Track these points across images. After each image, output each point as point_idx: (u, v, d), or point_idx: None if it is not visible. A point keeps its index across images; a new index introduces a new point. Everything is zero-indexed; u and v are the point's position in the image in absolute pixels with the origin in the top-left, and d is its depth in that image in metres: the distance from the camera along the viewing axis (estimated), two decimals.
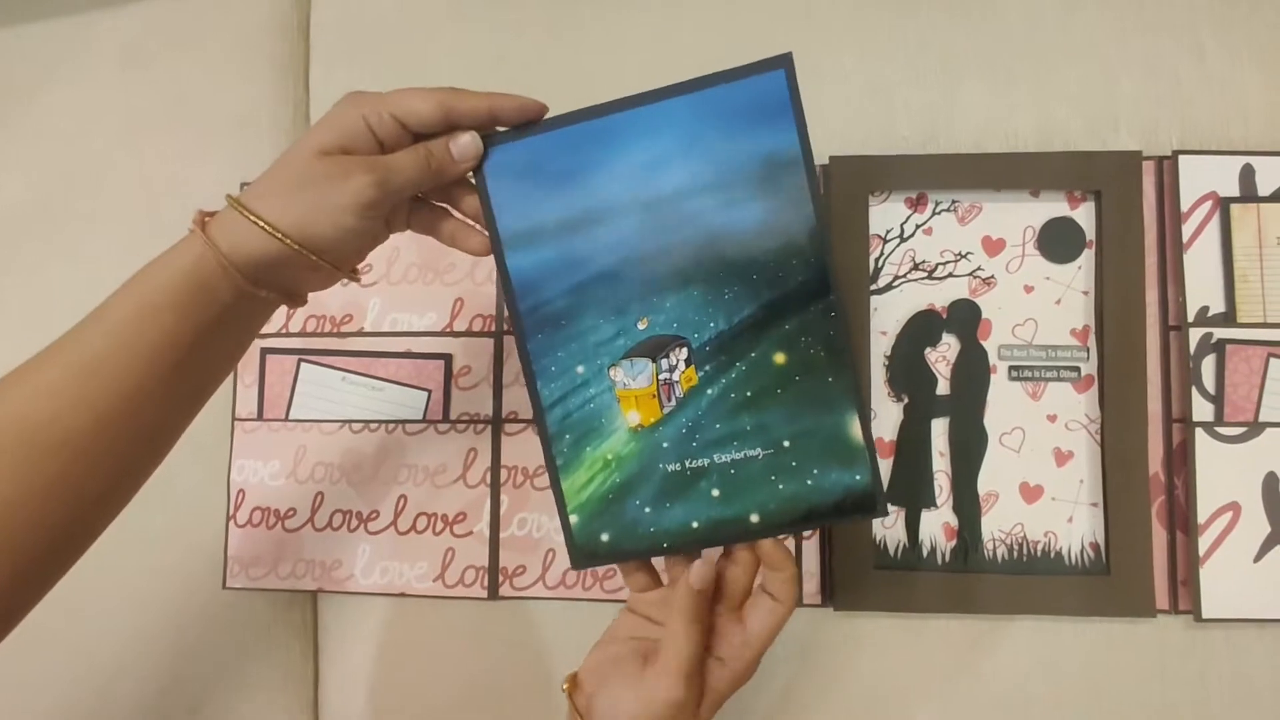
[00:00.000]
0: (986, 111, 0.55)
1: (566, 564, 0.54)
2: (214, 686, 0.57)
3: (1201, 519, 0.50)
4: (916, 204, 0.55)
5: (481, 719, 0.55)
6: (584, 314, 0.40)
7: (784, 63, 0.37)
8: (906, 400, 0.54)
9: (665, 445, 0.40)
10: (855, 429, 0.38)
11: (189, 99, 0.62)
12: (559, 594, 0.54)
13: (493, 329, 0.56)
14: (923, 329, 0.54)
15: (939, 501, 0.53)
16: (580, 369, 0.40)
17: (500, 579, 0.54)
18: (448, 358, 0.56)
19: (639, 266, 0.39)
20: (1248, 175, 0.53)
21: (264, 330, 0.58)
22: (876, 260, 0.54)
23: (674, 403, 0.40)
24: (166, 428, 0.39)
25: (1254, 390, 0.51)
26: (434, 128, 0.38)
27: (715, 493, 0.39)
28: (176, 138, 0.62)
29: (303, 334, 0.58)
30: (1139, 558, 0.50)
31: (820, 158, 0.55)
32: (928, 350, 0.54)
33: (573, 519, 0.41)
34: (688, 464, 0.39)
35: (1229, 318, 0.52)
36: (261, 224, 0.36)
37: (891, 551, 0.53)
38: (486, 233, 0.40)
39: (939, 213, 0.55)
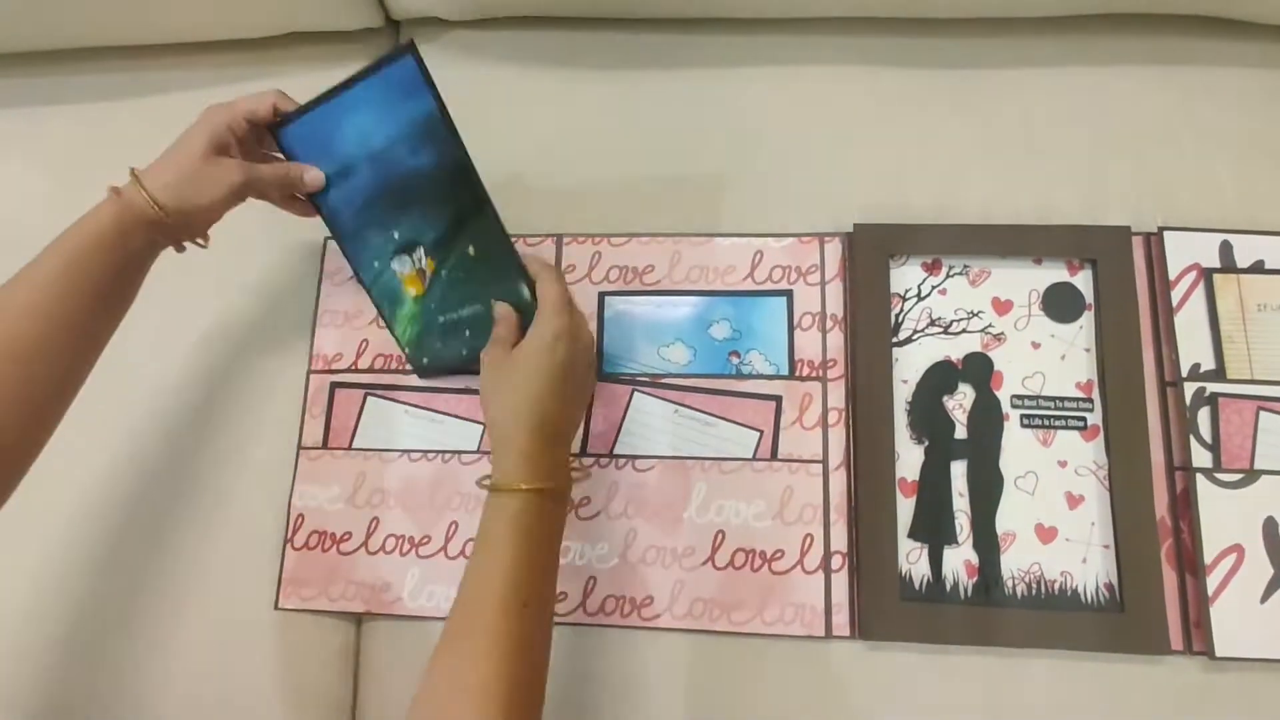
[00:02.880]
0: (990, 191, 0.63)
1: (608, 591, 0.57)
2: (250, 705, 0.58)
3: (1208, 559, 0.53)
4: (932, 268, 0.61)
5: None
6: (367, 230, 0.59)
7: (409, 50, 0.50)
8: (927, 443, 0.58)
9: (433, 306, 0.59)
10: (524, 292, 0.53)
11: None
12: (599, 620, 0.57)
13: None
14: (940, 378, 0.59)
15: (960, 539, 0.56)
16: (376, 263, 0.60)
17: None
18: None
19: (381, 198, 0.57)
20: (1226, 250, 0.59)
21: (334, 365, 0.64)
22: (897, 316, 0.60)
23: (426, 281, 0.58)
24: (90, 349, 0.51)
25: (1248, 440, 0.55)
26: (269, 117, 0.55)
27: (467, 333, 0.57)
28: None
29: (370, 370, 0.63)
30: (1152, 596, 0.53)
31: (845, 226, 0.62)
32: (945, 398, 0.59)
33: (406, 351, 0.62)
34: (449, 316, 0.58)
35: (1219, 374, 0.57)
36: (155, 206, 0.51)
37: (917, 585, 0.56)
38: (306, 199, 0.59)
39: (952, 276, 0.61)
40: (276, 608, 0.59)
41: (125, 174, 0.71)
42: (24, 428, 0.48)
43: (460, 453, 0.60)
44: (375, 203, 0.57)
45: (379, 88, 0.52)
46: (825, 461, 0.58)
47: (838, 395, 0.59)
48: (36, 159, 0.74)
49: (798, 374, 0.60)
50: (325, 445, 0.62)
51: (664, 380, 0.61)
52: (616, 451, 0.60)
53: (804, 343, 0.61)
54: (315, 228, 0.62)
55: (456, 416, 0.61)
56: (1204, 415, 0.56)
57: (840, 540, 0.57)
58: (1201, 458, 0.55)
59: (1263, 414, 0.56)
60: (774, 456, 0.59)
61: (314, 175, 0.57)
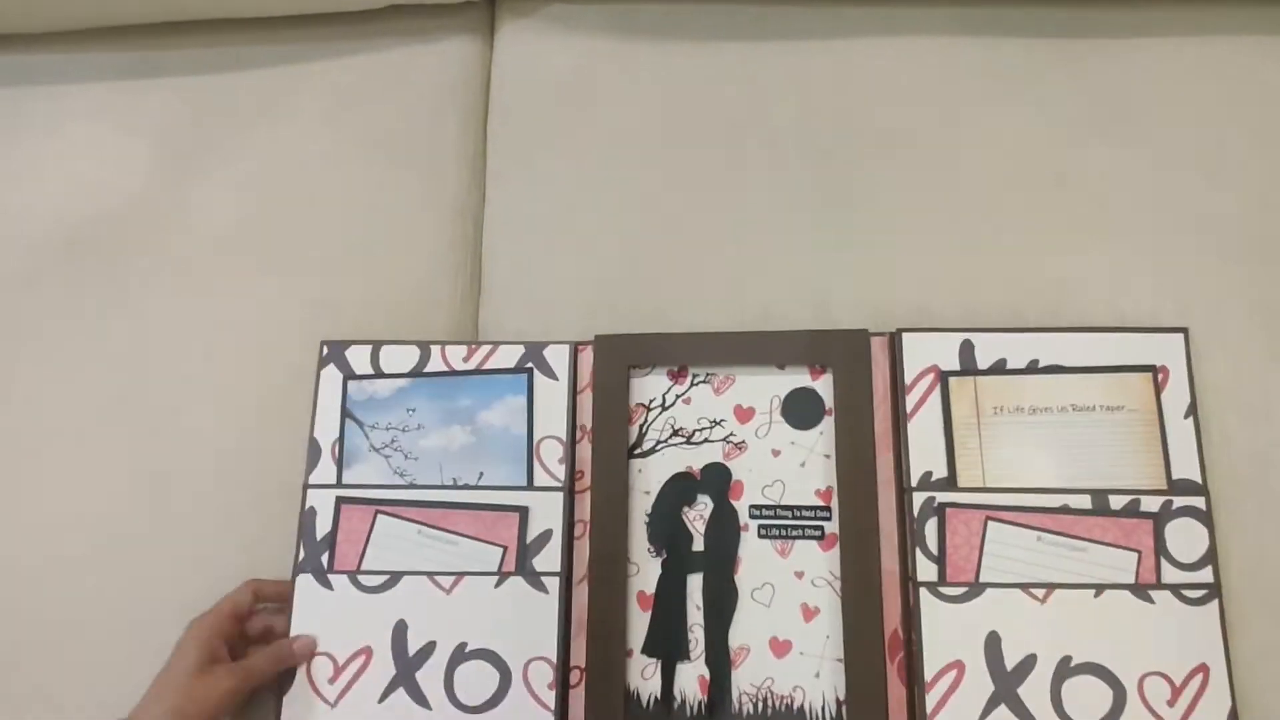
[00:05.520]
0: (726, 296, 0.64)
1: None
2: None
3: (928, 676, 0.53)
4: (677, 376, 0.61)
5: None
6: None
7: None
8: (665, 556, 0.58)
9: None
10: None
11: (386, 138, 0.73)
12: None
13: None
14: (679, 489, 0.59)
15: (693, 655, 0.56)
16: None
17: None
18: None
19: None
20: (967, 350, 0.58)
21: None
22: (641, 427, 0.60)
23: None
24: None
25: (974, 551, 0.55)
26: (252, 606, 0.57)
27: None
28: (373, 170, 0.72)
29: None
30: (873, 714, 0.53)
31: (587, 335, 0.62)
32: (685, 509, 0.58)
33: None
34: None
35: (951, 482, 0.56)
36: None
37: (644, 702, 0.55)
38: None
39: (697, 384, 0.61)
40: None
41: (226, 150, 0.75)
42: None
43: None
44: None
45: None
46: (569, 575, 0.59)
47: (585, 508, 0.59)
48: (138, 131, 0.76)
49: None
50: None
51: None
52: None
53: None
54: None
55: None
56: (931, 526, 0.55)
57: (581, 655, 0.57)
58: (927, 570, 0.54)
59: (990, 524, 0.55)
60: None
61: (305, 644, 0.57)
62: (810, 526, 0.57)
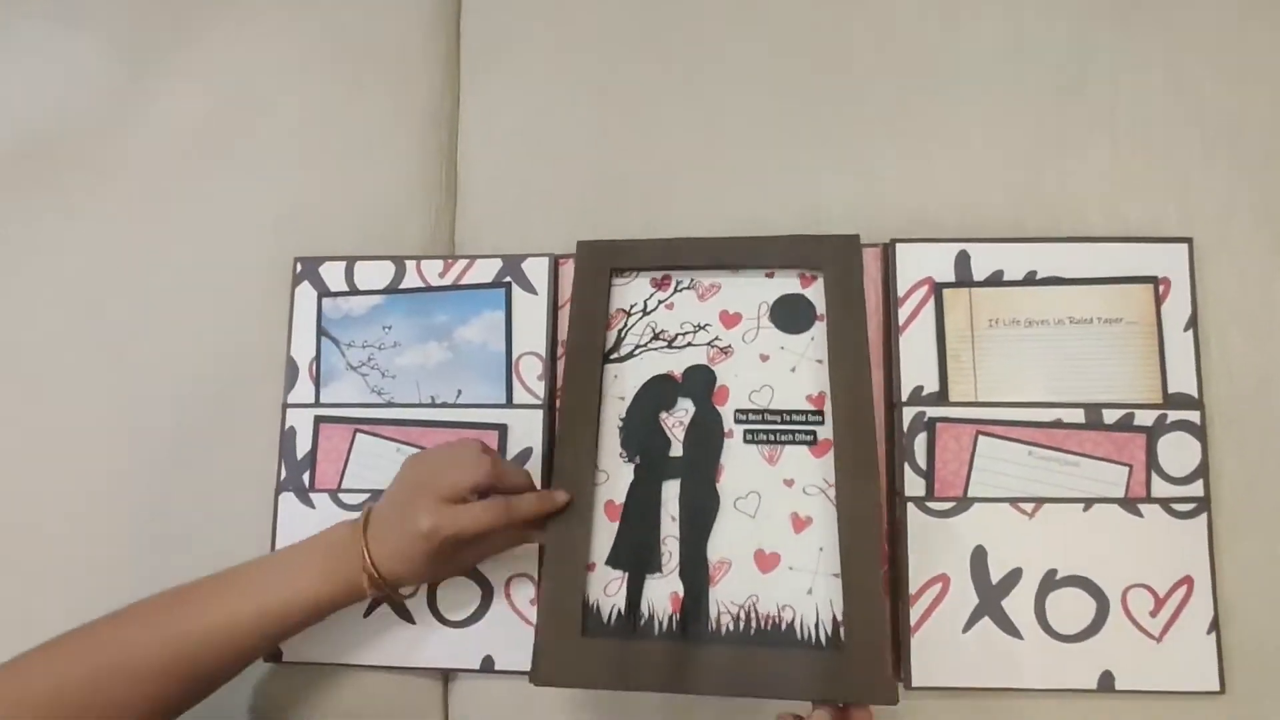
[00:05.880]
0: (712, 204, 0.61)
1: None
2: None
3: (912, 590, 0.51)
4: (661, 284, 0.58)
5: None
6: None
7: None
8: (638, 462, 0.55)
9: None
10: None
11: (352, 40, 0.69)
12: None
13: None
14: (658, 392, 0.56)
15: (665, 568, 0.53)
16: None
17: None
18: None
19: None
20: (963, 261, 0.56)
21: None
22: (620, 332, 0.57)
23: None
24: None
25: (963, 466, 0.53)
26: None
27: None
28: (337, 72, 0.69)
29: None
30: (874, 634, 0.48)
31: (568, 247, 0.60)
32: (663, 414, 0.56)
33: None
34: None
35: (942, 396, 0.54)
36: (391, 592, 0.49)
37: (605, 618, 0.52)
38: None
39: (680, 290, 0.58)
40: None
41: (181, 53, 0.70)
42: None
43: None
44: None
45: None
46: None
47: None
48: (88, 30, 0.72)
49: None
50: None
51: None
52: None
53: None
54: None
55: None
56: (920, 442, 0.53)
57: None
58: (914, 486, 0.53)
59: (981, 438, 0.53)
60: None
61: (564, 497, 0.52)
62: (801, 431, 0.54)
